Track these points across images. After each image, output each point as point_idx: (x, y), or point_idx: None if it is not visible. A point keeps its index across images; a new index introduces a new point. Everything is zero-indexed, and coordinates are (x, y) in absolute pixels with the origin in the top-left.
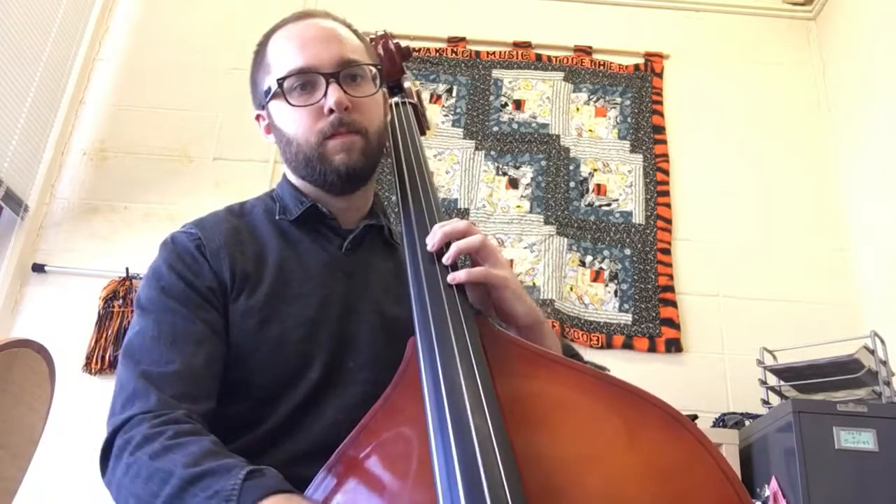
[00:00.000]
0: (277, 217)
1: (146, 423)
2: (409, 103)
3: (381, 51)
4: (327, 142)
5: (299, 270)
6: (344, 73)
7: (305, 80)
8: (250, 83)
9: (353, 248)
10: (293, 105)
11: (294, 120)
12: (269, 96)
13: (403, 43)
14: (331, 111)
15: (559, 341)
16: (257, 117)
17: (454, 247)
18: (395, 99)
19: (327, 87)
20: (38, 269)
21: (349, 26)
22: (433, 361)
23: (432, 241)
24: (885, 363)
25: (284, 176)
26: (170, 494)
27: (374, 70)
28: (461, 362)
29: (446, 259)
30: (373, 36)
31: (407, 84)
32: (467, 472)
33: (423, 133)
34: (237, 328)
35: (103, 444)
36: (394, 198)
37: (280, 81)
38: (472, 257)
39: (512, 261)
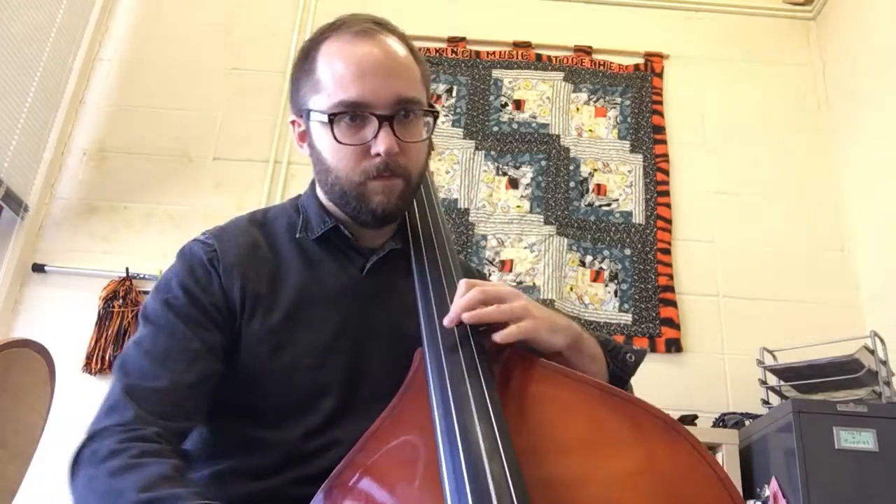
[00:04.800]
0: (298, 235)
1: (116, 436)
2: None
3: None
4: (369, 182)
5: (316, 294)
6: (398, 114)
7: (356, 114)
8: (291, 83)
9: (375, 270)
10: (339, 142)
11: (338, 154)
12: (314, 118)
13: None
14: (377, 154)
15: (596, 341)
16: (293, 122)
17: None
18: None
19: (379, 129)
20: (38, 269)
21: (408, 44)
22: (440, 371)
23: (449, 319)
24: (885, 363)
25: (313, 186)
26: None
27: (427, 110)
28: (467, 371)
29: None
30: (420, 57)
31: None
32: (474, 478)
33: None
34: (250, 351)
35: (75, 450)
36: None
37: (331, 117)
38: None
39: (512, 261)
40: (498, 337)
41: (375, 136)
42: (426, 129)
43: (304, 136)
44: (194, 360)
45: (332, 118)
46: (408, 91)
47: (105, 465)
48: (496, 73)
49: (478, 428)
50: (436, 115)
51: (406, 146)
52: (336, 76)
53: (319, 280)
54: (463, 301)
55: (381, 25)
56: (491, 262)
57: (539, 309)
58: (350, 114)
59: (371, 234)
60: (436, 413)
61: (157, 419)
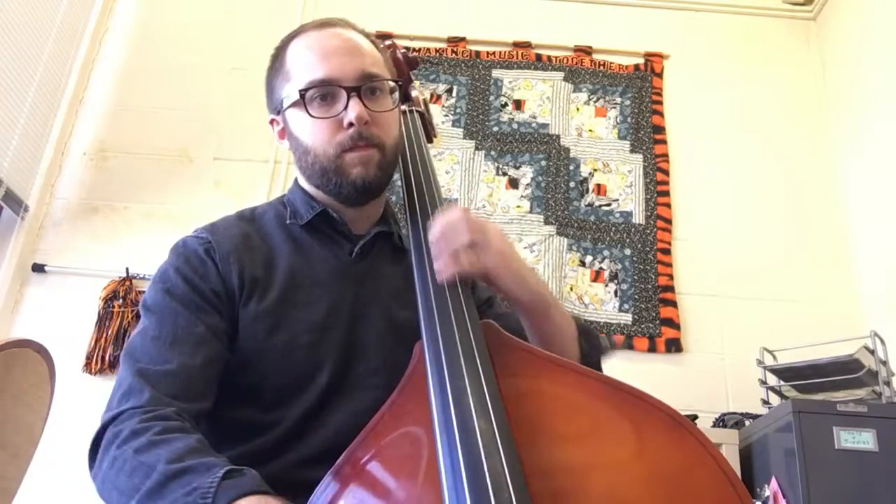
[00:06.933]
0: (288, 221)
1: (136, 417)
2: (417, 112)
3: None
4: (345, 154)
5: (309, 276)
6: (365, 87)
7: (326, 91)
8: (266, 87)
9: (363, 254)
10: (313, 117)
11: (313, 131)
12: (288, 104)
13: (404, 44)
14: (350, 125)
15: (571, 320)
16: (271, 121)
17: (439, 250)
18: (403, 108)
19: (348, 101)
20: (38, 269)
21: (368, 37)
22: (439, 365)
23: (434, 242)
24: (885, 363)
25: (296, 181)
26: (150, 489)
27: (393, 85)
28: (466, 366)
29: (437, 269)
30: (380, 46)
31: (414, 93)
32: (472, 473)
33: (430, 141)
34: (247, 333)
35: (94, 436)
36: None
37: (302, 92)
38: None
39: None
40: (453, 262)
41: (346, 108)
42: (394, 102)
43: (283, 133)
44: (200, 344)
45: (304, 95)
46: (371, 67)
47: (130, 445)
48: (496, 73)
49: (476, 423)
50: (401, 86)
51: (376, 116)
52: (304, 62)
53: (310, 264)
54: (440, 224)
55: (343, 20)
56: None
57: (513, 259)
58: (320, 91)
59: (357, 218)
60: (434, 408)
61: (172, 400)
